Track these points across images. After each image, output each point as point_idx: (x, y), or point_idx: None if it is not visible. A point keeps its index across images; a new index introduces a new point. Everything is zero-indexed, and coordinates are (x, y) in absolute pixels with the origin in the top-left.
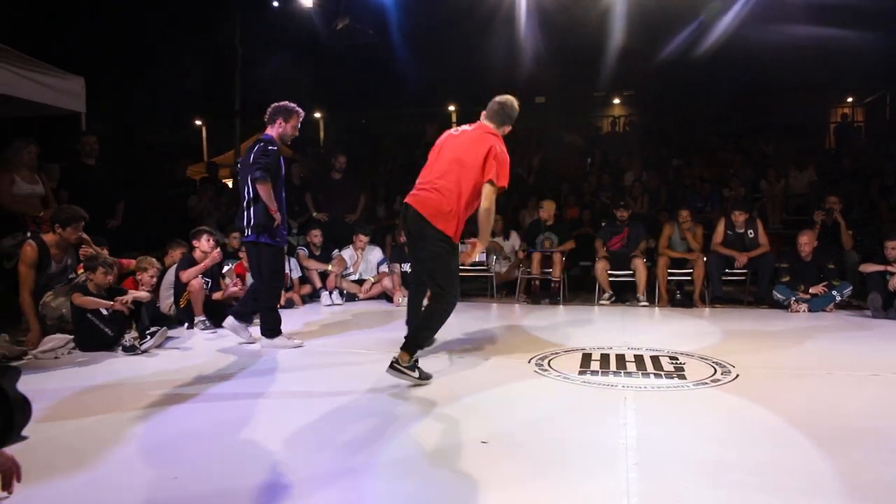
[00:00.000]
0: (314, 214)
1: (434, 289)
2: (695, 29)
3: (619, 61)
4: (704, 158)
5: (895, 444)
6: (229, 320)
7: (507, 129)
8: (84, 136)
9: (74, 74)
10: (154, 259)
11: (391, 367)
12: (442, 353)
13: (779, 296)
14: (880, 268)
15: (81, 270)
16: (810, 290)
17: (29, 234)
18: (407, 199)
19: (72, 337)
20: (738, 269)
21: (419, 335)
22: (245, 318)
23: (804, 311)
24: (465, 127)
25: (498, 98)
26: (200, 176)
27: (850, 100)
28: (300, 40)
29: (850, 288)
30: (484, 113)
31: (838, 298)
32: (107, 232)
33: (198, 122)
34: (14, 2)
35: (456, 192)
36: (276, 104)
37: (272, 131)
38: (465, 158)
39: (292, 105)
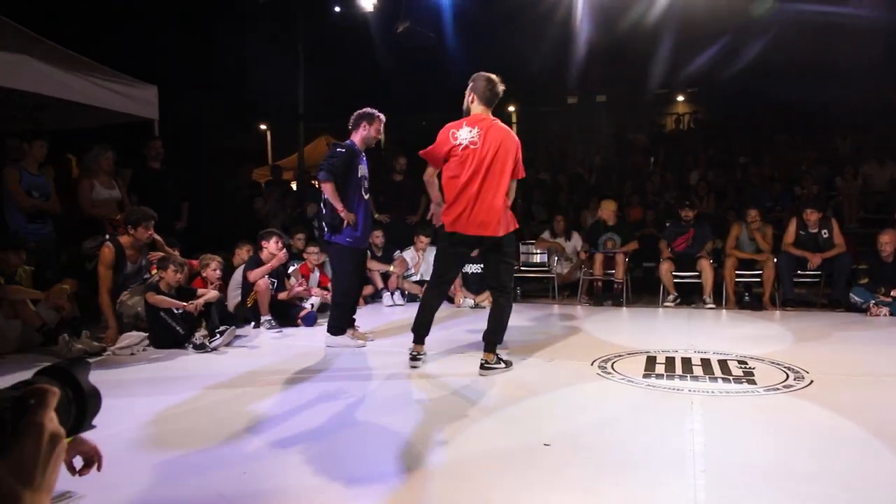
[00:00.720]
0: (375, 216)
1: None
2: (760, 22)
3: (683, 57)
4: (774, 156)
5: None
6: (328, 339)
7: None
8: (151, 141)
9: (148, 83)
10: (215, 255)
11: (482, 368)
12: (504, 355)
13: (857, 298)
14: None
15: (155, 271)
16: (892, 293)
17: (107, 237)
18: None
19: (146, 335)
20: (810, 270)
21: (498, 335)
22: (337, 331)
23: (885, 314)
24: (467, 132)
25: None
26: (266, 179)
27: None
28: (361, 44)
29: None
30: (476, 98)
31: None
32: (175, 233)
33: (262, 127)
34: (90, 13)
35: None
36: (359, 111)
37: (356, 136)
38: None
39: (374, 111)
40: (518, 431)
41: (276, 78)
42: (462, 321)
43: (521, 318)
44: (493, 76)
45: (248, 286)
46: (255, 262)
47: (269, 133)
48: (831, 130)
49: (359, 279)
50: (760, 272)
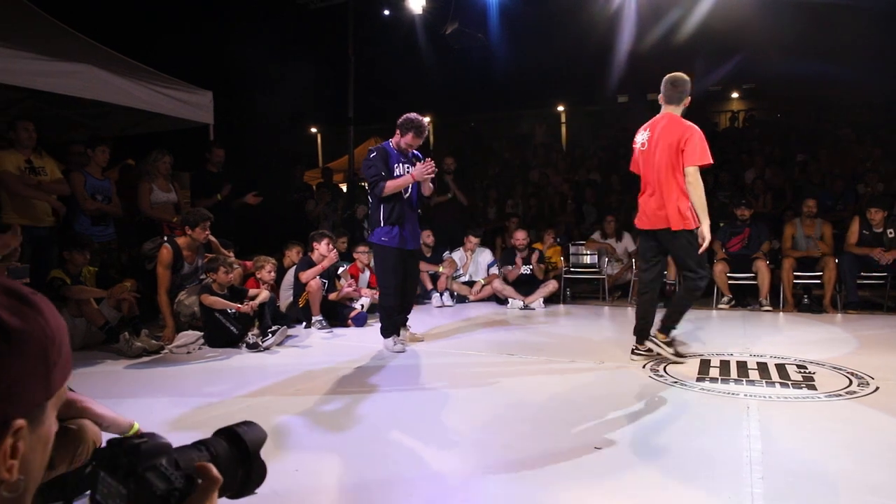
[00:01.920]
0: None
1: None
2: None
3: (736, 53)
4: (835, 152)
5: None
6: (383, 342)
7: (684, 104)
8: (214, 148)
9: (203, 89)
10: (270, 257)
11: (649, 339)
12: (556, 357)
13: None
14: None
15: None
16: None
17: (165, 238)
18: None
19: (202, 334)
20: (877, 270)
21: (672, 317)
22: (384, 333)
23: None
24: (641, 135)
25: (667, 77)
26: (317, 181)
27: None
28: (410, 46)
29: None
30: (662, 98)
31: None
32: (229, 234)
33: (313, 130)
34: (142, 18)
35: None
36: (401, 118)
37: (393, 140)
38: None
39: (412, 119)
40: (567, 433)
41: (326, 80)
42: (512, 324)
43: (572, 319)
44: (676, 74)
45: (299, 287)
46: (307, 262)
47: (319, 136)
48: None
49: (396, 280)
50: (821, 273)
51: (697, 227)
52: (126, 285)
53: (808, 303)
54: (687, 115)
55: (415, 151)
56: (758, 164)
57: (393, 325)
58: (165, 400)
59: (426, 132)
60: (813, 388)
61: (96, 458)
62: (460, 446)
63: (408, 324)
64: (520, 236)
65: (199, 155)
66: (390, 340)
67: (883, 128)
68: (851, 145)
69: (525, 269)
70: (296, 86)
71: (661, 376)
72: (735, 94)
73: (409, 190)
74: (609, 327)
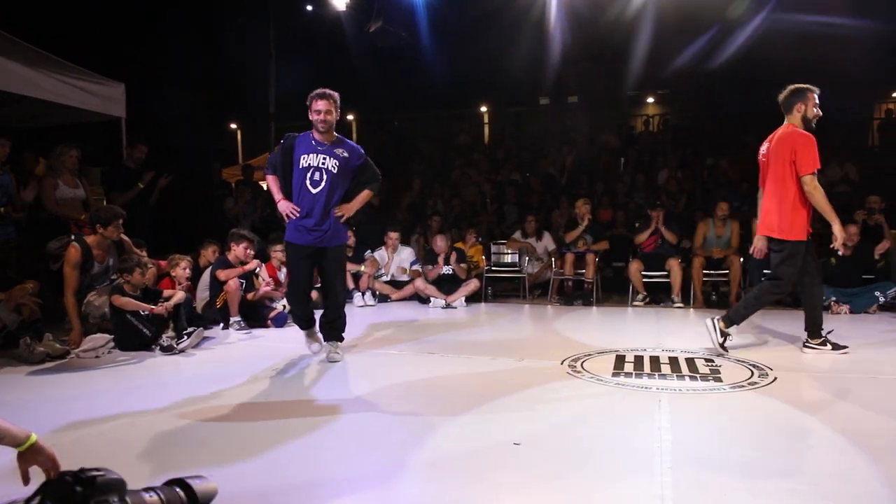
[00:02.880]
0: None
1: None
2: (726, 25)
3: (652, 60)
4: (741, 157)
5: None
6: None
7: (799, 112)
8: (137, 144)
9: (115, 80)
10: (185, 256)
11: (711, 320)
12: (477, 355)
13: None
14: None
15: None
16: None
17: (73, 237)
18: None
19: (112, 337)
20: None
21: (741, 311)
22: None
23: (845, 312)
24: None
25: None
26: (236, 179)
27: (895, 95)
28: (333, 43)
29: (895, 289)
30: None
31: (882, 300)
32: (142, 234)
33: (233, 126)
34: (57, 10)
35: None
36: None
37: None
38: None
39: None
40: (488, 431)
41: (247, 76)
42: (433, 323)
43: (492, 318)
44: (792, 86)
45: (216, 287)
46: (224, 262)
47: (239, 132)
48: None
49: (294, 277)
50: (727, 271)
51: (802, 240)
52: (27, 287)
53: (717, 299)
54: (607, 117)
55: (353, 145)
56: (671, 166)
57: (299, 322)
58: (71, 408)
59: (329, 97)
60: (719, 380)
61: (44, 491)
62: (381, 446)
63: (339, 338)
64: (440, 243)
65: (111, 150)
66: (305, 336)
67: None
68: (753, 149)
69: (446, 269)
70: (216, 81)
71: (579, 372)
72: (651, 99)
73: (323, 183)
74: (529, 325)
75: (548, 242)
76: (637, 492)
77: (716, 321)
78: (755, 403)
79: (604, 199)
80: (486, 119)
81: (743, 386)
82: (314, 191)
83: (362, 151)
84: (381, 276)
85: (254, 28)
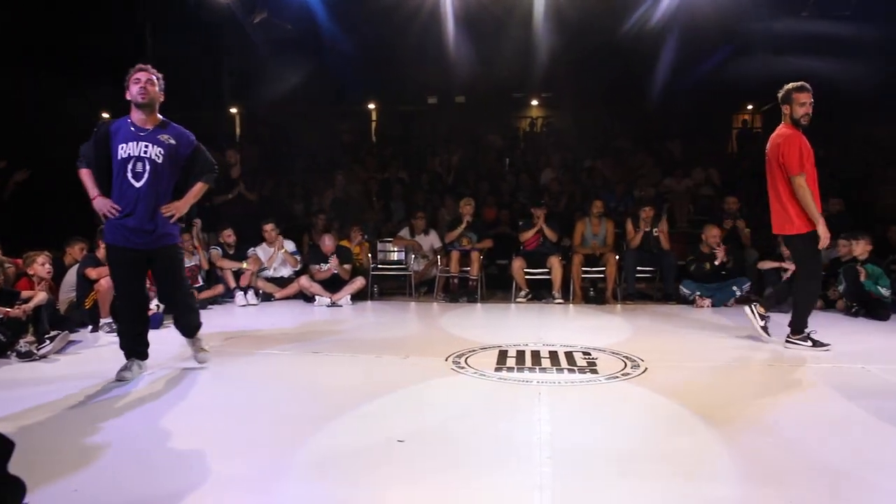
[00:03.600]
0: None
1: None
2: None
3: (538, 64)
4: (616, 160)
5: (785, 429)
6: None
7: (787, 112)
8: None
9: None
10: (42, 251)
11: (788, 340)
12: (362, 353)
13: (685, 291)
14: (775, 264)
15: None
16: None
17: None
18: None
19: None
20: (649, 266)
21: (796, 318)
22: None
23: (707, 305)
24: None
25: None
26: None
27: (749, 107)
28: (217, 34)
29: (749, 283)
30: None
31: (738, 293)
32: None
33: (106, 116)
34: None
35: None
36: None
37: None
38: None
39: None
40: (373, 429)
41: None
42: (319, 322)
43: (378, 315)
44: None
45: (85, 286)
46: (93, 260)
47: (109, 118)
48: (665, 136)
49: (124, 287)
50: (604, 268)
51: (811, 230)
52: None
53: (594, 295)
54: (491, 117)
55: (181, 130)
56: (553, 166)
57: (124, 344)
58: None
59: (149, 70)
60: (595, 372)
61: None
62: (262, 448)
63: (198, 335)
64: (328, 242)
65: None
66: (123, 365)
67: (655, 139)
68: (628, 155)
69: (325, 267)
70: (89, 69)
71: (463, 368)
72: (535, 102)
73: (146, 175)
74: (415, 323)
75: (434, 240)
76: (517, 482)
77: (791, 341)
78: (628, 393)
79: (489, 198)
80: (373, 116)
81: (617, 377)
82: (137, 185)
83: (192, 138)
84: (264, 272)
85: (130, 14)
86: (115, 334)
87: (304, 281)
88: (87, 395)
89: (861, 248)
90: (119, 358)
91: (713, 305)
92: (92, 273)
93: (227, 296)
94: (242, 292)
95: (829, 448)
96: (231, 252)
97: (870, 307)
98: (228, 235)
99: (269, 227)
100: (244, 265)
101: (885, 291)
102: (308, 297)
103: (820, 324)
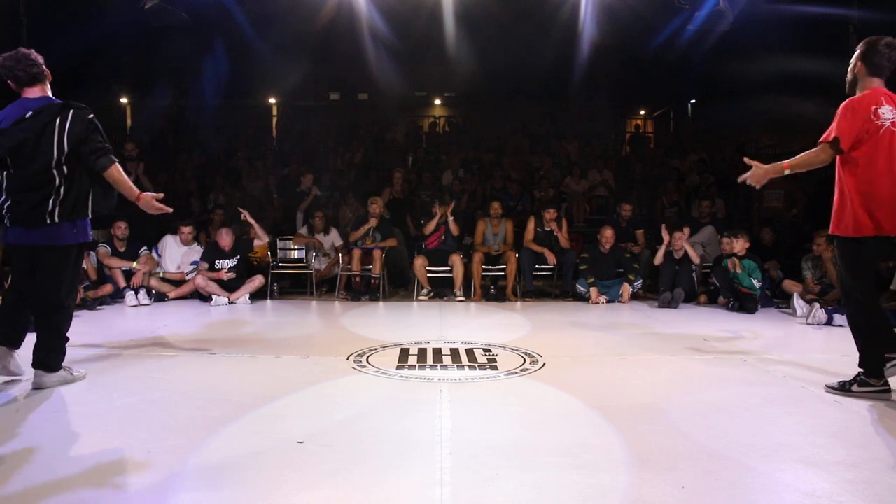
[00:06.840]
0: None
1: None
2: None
3: (441, 63)
4: (516, 160)
5: (673, 418)
6: None
7: (867, 81)
8: None
9: None
10: None
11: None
12: (260, 353)
13: (581, 288)
14: (664, 247)
15: None
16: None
17: None
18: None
19: None
20: (547, 264)
21: (861, 345)
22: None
23: (603, 302)
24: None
25: None
26: None
27: (642, 112)
28: (106, 19)
29: (641, 281)
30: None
31: (632, 290)
32: None
33: None
34: None
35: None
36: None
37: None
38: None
39: None
40: (271, 430)
41: None
42: (215, 322)
43: (277, 314)
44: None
45: None
46: None
47: None
48: (562, 138)
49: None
50: (504, 266)
51: (848, 237)
52: None
53: (494, 293)
54: (394, 115)
55: (51, 99)
56: (454, 166)
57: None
58: None
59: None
60: (495, 368)
61: None
62: (153, 456)
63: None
64: (225, 237)
65: None
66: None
67: (553, 139)
68: (527, 155)
69: (227, 263)
70: None
71: (364, 367)
72: (438, 101)
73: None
74: (315, 322)
75: (335, 238)
76: (418, 479)
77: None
78: (527, 388)
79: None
80: (274, 111)
81: (516, 372)
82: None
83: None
84: (158, 272)
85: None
86: None
87: (199, 280)
88: None
89: (740, 246)
90: None
91: (608, 302)
92: None
93: (118, 296)
94: (133, 292)
95: (713, 434)
96: (122, 249)
97: (742, 301)
98: (119, 228)
99: (187, 229)
100: (134, 265)
101: (756, 283)
102: (204, 297)
103: (699, 318)
